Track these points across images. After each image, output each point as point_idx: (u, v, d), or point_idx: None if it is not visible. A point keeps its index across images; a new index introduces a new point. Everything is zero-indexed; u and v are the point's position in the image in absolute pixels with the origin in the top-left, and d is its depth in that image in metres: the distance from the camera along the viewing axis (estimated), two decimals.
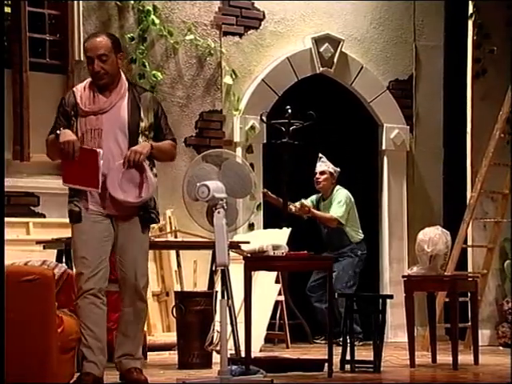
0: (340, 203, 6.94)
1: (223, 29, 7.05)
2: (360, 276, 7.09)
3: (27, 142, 6.24)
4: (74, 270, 4.14)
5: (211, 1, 7.02)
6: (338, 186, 7.08)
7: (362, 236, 7.02)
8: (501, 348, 6.78)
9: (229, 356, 4.25)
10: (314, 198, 7.18)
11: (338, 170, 7.08)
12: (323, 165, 7.05)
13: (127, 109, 4.23)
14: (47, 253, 5.40)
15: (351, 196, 7.03)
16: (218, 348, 4.40)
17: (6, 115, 6.20)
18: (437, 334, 5.58)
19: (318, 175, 7.05)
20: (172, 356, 5.63)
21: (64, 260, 5.12)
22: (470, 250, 7.05)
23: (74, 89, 4.42)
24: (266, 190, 7.05)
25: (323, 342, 6.63)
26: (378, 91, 7.63)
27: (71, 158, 4.15)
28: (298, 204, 6.99)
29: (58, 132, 4.25)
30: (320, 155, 7.07)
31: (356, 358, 5.01)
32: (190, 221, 4.57)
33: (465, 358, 5.40)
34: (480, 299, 6.48)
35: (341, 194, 7.00)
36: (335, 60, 7.41)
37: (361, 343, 6.42)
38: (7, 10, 6.30)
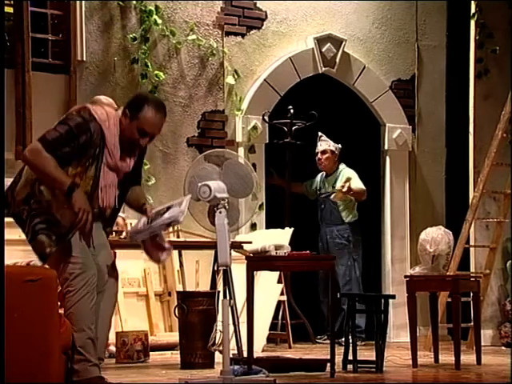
0: (356, 178, 6.85)
1: (225, 29, 7.05)
2: (362, 276, 7.08)
3: (29, 142, 6.24)
4: None
5: (213, 1, 7.02)
6: (342, 165, 7.01)
7: (356, 217, 6.96)
8: (503, 348, 6.77)
9: (231, 356, 4.26)
10: (318, 178, 7.13)
11: (339, 146, 7.00)
12: (324, 144, 6.98)
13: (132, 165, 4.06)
14: None
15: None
16: (220, 348, 4.40)
17: (9, 115, 6.21)
18: (439, 334, 5.58)
19: (319, 155, 6.99)
20: (174, 356, 5.63)
21: None
22: (472, 249, 7.05)
23: (103, 126, 3.95)
24: (272, 170, 7.00)
25: (326, 341, 6.62)
26: (380, 91, 7.62)
27: (84, 229, 3.83)
28: (339, 187, 6.81)
29: (72, 187, 3.82)
30: (320, 134, 7.01)
31: (358, 358, 5.01)
32: (191, 221, 4.58)
33: (467, 358, 5.40)
34: (482, 299, 6.48)
35: (349, 170, 6.92)
36: (337, 60, 7.41)
37: (363, 343, 6.41)
38: (9, 10, 6.31)
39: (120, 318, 6.16)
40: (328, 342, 6.18)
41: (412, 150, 7.75)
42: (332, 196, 6.89)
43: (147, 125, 4.01)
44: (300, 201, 7.20)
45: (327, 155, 6.97)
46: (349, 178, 6.84)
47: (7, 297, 3.60)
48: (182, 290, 6.12)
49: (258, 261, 4.91)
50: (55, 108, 6.41)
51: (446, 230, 5.41)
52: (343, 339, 5.18)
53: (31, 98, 6.24)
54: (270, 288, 6.38)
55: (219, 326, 4.27)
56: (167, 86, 6.83)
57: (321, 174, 7.12)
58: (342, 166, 7.02)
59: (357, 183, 6.88)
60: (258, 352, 5.63)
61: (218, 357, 5.01)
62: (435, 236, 5.29)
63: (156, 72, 6.73)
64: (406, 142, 7.69)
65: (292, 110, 6.98)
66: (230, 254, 4.13)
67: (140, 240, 4.13)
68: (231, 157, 4.45)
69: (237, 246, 5.44)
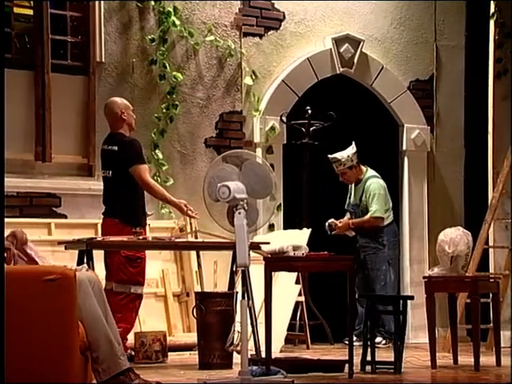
0: (374, 200, 6.62)
1: (243, 30, 7.06)
2: None
3: (49, 143, 6.28)
4: None
5: (231, 1, 7.03)
6: (369, 172, 6.73)
7: (390, 220, 6.74)
8: None
9: (249, 356, 4.26)
10: (349, 191, 6.86)
11: (352, 153, 6.65)
12: (338, 165, 6.74)
13: None
14: (69, 253, 5.43)
15: (382, 182, 6.75)
16: (238, 348, 4.41)
17: (29, 116, 6.25)
18: (458, 335, 5.55)
19: (340, 178, 6.82)
20: (192, 356, 5.64)
21: (85, 260, 5.15)
22: (491, 250, 7.01)
23: None
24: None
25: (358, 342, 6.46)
26: (398, 91, 7.60)
27: None
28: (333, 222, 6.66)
29: None
30: (330, 157, 6.75)
31: (377, 359, 4.99)
32: (210, 221, 4.58)
33: (486, 359, 5.37)
34: (502, 300, 6.44)
35: (372, 187, 6.66)
36: (355, 60, 7.39)
37: (388, 344, 6.34)
38: (29, 12, 6.35)
39: (139, 318, 6.18)
40: (359, 343, 6.19)
41: (430, 150, 7.72)
42: (332, 233, 6.69)
43: None
44: (317, 201, 7.18)
45: (347, 174, 6.76)
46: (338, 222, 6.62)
47: (26, 296, 3.62)
48: (200, 290, 6.13)
49: (276, 261, 4.90)
50: (74, 109, 6.44)
51: (465, 230, 5.38)
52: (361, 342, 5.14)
53: (51, 100, 6.27)
54: (287, 289, 6.37)
55: (237, 326, 4.27)
56: (185, 87, 6.84)
57: (348, 195, 6.90)
58: (368, 174, 6.75)
59: (372, 210, 6.62)
60: (276, 353, 5.62)
61: (236, 357, 5.01)
62: (454, 237, 5.27)
63: (174, 73, 6.74)
64: (424, 143, 7.66)
65: (310, 111, 6.97)
66: (249, 254, 4.13)
67: None
68: (250, 157, 4.46)
69: (255, 246, 5.44)
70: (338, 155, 6.75)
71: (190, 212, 5.61)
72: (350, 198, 6.92)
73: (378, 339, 6.30)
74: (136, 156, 5.48)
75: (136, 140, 5.60)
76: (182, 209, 5.60)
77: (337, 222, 6.75)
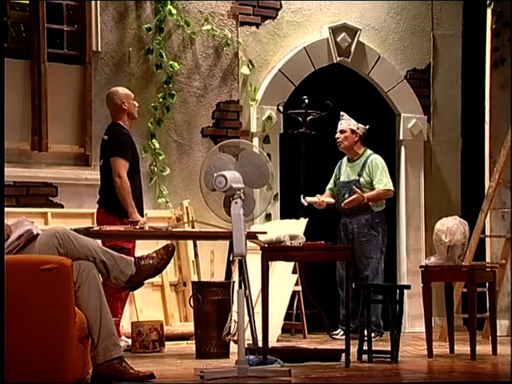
0: (383, 173, 6.43)
1: (240, 19, 7.04)
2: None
3: (45, 133, 6.27)
4: None
5: None
6: (369, 151, 6.58)
7: (384, 206, 6.54)
8: None
9: (246, 346, 4.26)
10: (337, 168, 6.62)
11: (363, 126, 6.51)
12: (343, 122, 6.56)
13: None
14: None
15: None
16: (235, 338, 4.41)
17: (25, 106, 6.23)
18: (454, 324, 5.57)
19: (338, 134, 6.56)
20: (190, 346, 5.65)
21: None
22: (488, 240, 7.02)
23: None
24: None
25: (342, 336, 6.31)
26: (395, 81, 7.59)
27: None
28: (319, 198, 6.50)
29: None
30: (341, 113, 6.63)
31: (373, 348, 5.01)
32: (207, 211, 4.58)
33: (483, 348, 5.38)
34: (498, 289, 6.45)
35: (378, 162, 6.47)
36: (352, 49, 7.38)
37: (380, 338, 6.24)
38: (25, 1, 6.33)
39: (135, 308, 6.19)
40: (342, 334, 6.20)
41: (427, 139, 7.72)
42: (343, 203, 6.40)
43: None
44: (314, 191, 7.18)
45: (346, 134, 6.51)
46: (356, 188, 6.31)
47: (23, 285, 3.62)
48: (197, 280, 6.14)
49: (273, 251, 4.91)
50: (70, 98, 6.43)
51: (462, 220, 5.38)
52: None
53: (47, 89, 6.26)
54: (284, 278, 6.38)
55: (234, 316, 4.27)
56: (182, 77, 6.83)
57: (339, 162, 6.70)
58: (369, 152, 6.58)
59: (379, 183, 6.39)
60: (272, 342, 5.64)
61: (233, 347, 5.02)
62: (451, 226, 5.27)
63: (171, 62, 6.73)
64: (421, 132, 7.66)
65: (307, 100, 6.96)
66: (246, 244, 4.13)
67: None
68: (247, 147, 4.45)
69: (252, 236, 5.44)
70: (348, 116, 6.60)
71: (134, 225, 5.36)
72: (339, 177, 6.62)
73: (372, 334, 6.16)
74: (119, 148, 5.50)
75: (126, 134, 5.58)
76: (132, 221, 5.42)
77: (318, 199, 6.49)
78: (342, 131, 6.56)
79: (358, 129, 6.55)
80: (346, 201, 6.40)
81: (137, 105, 5.69)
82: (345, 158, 6.64)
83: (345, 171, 6.59)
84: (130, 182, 5.48)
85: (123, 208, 5.44)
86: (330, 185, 6.73)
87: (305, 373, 4.37)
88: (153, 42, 6.69)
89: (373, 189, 6.45)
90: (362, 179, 6.48)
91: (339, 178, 6.64)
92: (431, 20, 7.75)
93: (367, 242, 6.45)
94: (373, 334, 6.14)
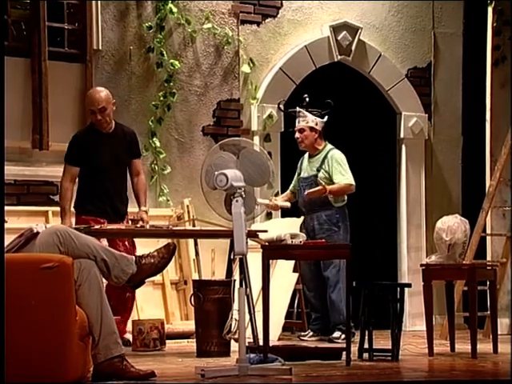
0: (344, 168, 6.16)
1: (241, 17, 7.04)
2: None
3: (46, 131, 6.27)
4: None
5: None
6: (329, 146, 6.23)
7: (345, 201, 6.22)
8: None
9: (247, 344, 4.26)
10: (299, 164, 6.39)
11: (321, 120, 6.22)
12: (301, 120, 6.22)
13: None
14: None
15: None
16: (236, 336, 4.41)
17: (26, 104, 6.23)
18: (455, 322, 5.57)
19: (296, 134, 6.22)
20: (190, 344, 5.65)
21: None
22: (488, 238, 7.02)
23: None
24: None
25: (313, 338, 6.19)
26: (396, 79, 7.59)
27: None
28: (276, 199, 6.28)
29: None
30: (297, 109, 6.27)
31: (374, 347, 5.01)
32: (207, 209, 4.58)
33: (483, 346, 5.39)
34: (499, 288, 6.45)
35: (336, 156, 6.20)
36: (353, 48, 7.38)
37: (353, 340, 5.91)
38: None
39: (136, 306, 6.19)
40: (316, 338, 6.16)
41: (428, 138, 7.72)
42: (306, 192, 6.14)
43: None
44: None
45: (306, 133, 6.18)
46: (320, 181, 6.09)
47: (24, 284, 3.62)
48: (197, 278, 6.14)
49: (274, 249, 4.91)
50: (71, 97, 6.43)
51: (463, 218, 5.38)
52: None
53: (48, 87, 6.26)
54: (285, 277, 6.38)
55: (235, 314, 4.28)
56: (182, 75, 6.83)
57: (301, 159, 6.43)
58: (329, 147, 6.23)
59: (341, 177, 6.10)
60: (273, 340, 5.64)
61: (233, 345, 5.02)
62: (451, 225, 5.27)
63: (171, 61, 6.73)
64: (422, 131, 7.66)
65: (307, 99, 6.93)
66: (246, 242, 4.13)
67: None
68: (248, 145, 4.45)
69: (252, 234, 5.44)
70: (305, 111, 6.34)
71: (135, 224, 5.52)
72: (300, 173, 6.37)
73: (337, 334, 6.00)
74: (66, 153, 5.64)
75: (76, 137, 5.64)
76: (133, 219, 5.53)
77: (270, 202, 6.24)
78: (301, 130, 6.27)
79: (316, 125, 6.25)
80: (309, 191, 6.12)
81: (97, 113, 5.51)
82: (306, 154, 6.39)
83: (305, 167, 6.36)
84: (88, 184, 5.53)
85: (81, 204, 5.56)
86: (292, 184, 6.48)
87: (306, 371, 4.37)
88: (153, 40, 6.69)
89: (332, 184, 6.16)
90: (320, 174, 6.21)
91: (300, 174, 6.40)
92: (432, 18, 7.74)
93: (327, 238, 5.98)
94: (340, 334, 6.01)
